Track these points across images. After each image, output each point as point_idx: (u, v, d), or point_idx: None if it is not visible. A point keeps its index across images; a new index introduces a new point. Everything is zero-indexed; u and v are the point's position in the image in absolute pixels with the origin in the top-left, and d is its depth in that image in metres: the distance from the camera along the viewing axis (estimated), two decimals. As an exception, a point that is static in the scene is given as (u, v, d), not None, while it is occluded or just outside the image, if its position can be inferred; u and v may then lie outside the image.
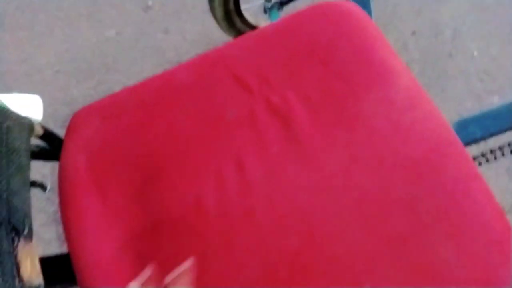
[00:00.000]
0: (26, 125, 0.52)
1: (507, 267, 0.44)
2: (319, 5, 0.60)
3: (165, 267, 0.50)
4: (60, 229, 0.55)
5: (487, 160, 0.67)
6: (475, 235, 0.45)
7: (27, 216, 0.48)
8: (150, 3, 1.36)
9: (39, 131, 0.54)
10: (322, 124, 0.52)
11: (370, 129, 0.50)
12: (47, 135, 0.57)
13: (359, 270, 0.45)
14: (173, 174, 0.53)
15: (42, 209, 1.13)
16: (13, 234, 0.46)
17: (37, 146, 0.57)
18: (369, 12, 0.70)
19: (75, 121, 0.57)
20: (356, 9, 0.60)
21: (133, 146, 0.55)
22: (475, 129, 0.58)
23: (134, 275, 0.50)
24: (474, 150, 0.78)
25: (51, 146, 0.59)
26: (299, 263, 0.47)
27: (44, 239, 1.11)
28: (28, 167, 0.51)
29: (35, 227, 0.50)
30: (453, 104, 1.18)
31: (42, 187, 0.60)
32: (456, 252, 0.44)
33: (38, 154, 0.57)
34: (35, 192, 0.52)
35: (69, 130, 0.57)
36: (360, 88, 0.52)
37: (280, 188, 0.50)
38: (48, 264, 0.50)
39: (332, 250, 0.46)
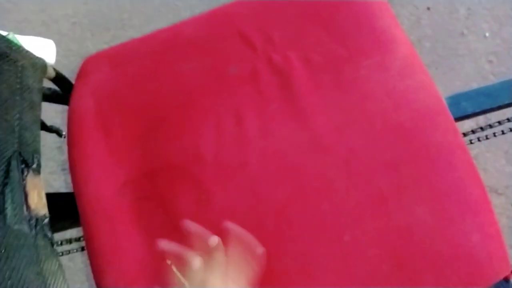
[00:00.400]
0: (40, 65, 0.54)
1: (481, 238, 0.46)
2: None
3: (162, 210, 0.53)
4: (69, 178, 0.57)
5: (479, 139, 0.68)
6: (452, 202, 0.47)
7: (36, 151, 0.51)
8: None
9: (51, 73, 0.56)
10: (320, 85, 0.53)
11: (364, 93, 0.51)
12: (59, 79, 0.59)
13: (340, 224, 0.47)
14: (175, 124, 0.56)
15: (52, 158, 1.17)
16: (23, 166, 0.49)
17: (49, 89, 0.60)
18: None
19: (86, 67, 0.59)
20: (385, 4, 0.59)
21: (139, 94, 0.57)
22: (466, 105, 0.59)
23: (132, 215, 0.54)
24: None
25: (62, 90, 0.61)
26: (285, 215, 0.50)
27: (53, 186, 1.16)
28: (39, 106, 0.54)
29: (44, 174, 0.53)
30: (459, 83, 1.18)
31: (58, 133, 0.63)
32: (432, 215, 0.46)
33: (50, 97, 0.60)
34: (45, 142, 0.54)
35: (79, 75, 0.59)
36: (359, 53, 0.53)
37: (274, 143, 0.52)
38: (54, 199, 0.53)
39: (317, 204, 0.49)
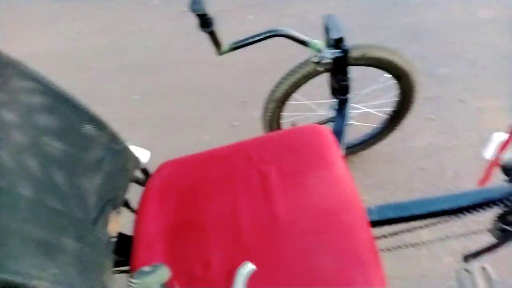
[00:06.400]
0: (136, 161, 0.94)
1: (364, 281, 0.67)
2: (310, 126, 0.97)
3: (185, 249, 0.81)
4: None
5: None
6: (348, 256, 0.70)
7: (120, 201, 0.87)
8: (235, 123, 1.87)
9: (141, 165, 0.96)
10: (285, 186, 0.84)
11: (308, 191, 0.80)
12: (144, 170, 0.98)
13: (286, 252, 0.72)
14: (204, 199, 0.88)
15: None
16: (112, 207, 0.83)
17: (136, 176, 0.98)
18: (342, 135, 1.04)
19: (161, 167, 0.98)
20: (329, 135, 0.94)
21: (186, 185, 0.92)
22: (389, 212, 0.84)
23: (164, 249, 0.82)
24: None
25: (145, 176, 0.99)
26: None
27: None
28: (129, 182, 0.91)
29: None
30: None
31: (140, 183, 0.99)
32: (334, 261, 0.69)
33: (136, 180, 0.98)
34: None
35: (156, 171, 0.97)
36: (309, 169, 0.84)
37: (254, 214, 0.81)
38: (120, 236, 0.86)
39: (266, 247, 0.74)
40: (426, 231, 1.20)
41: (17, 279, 0.52)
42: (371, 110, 1.49)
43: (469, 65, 1.95)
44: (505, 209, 0.82)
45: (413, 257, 1.26)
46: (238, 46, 0.99)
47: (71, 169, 0.74)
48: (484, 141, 0.83)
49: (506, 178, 0.85)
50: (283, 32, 0.99)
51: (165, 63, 2.36)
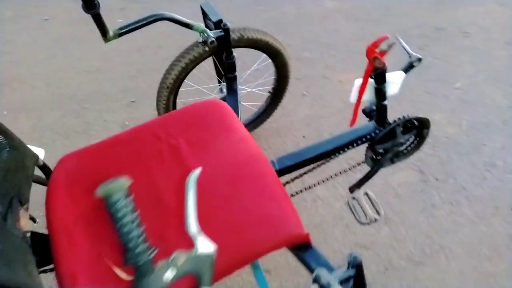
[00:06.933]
0: (34, 157, 0.89)
1: (279, 212, 0.78)
2: (208, 100, 1.05)
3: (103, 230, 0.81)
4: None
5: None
6: (261, 195, 0.81)
7: (26, 198, 0.82)
8: (127, 122, 1.84)
9: (40, 162, 0.91)
10: (196, 153, 0.90)
11: (218, 152, 0.89)
12: (44, 166, 0.93)
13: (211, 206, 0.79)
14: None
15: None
16: (19, 204, 0.79)
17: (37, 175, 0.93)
18: (237, 110, 1.16)
19: (61, 160, 0.94)
20: (226, 106, 1.03)
21: (90, 171, 0.91)
22: (286, 161, 0.98)
23: (83, 233, 0.81)
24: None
25: (45, 175, 0.94)
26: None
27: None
28: (31, 177, 0.86)
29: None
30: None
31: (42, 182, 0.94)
32: (252, 200, 0.79)
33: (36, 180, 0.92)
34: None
35: (57, 164, 0.94)
36: (214, 135, 0.93)
37: (169, 180, 0.86)
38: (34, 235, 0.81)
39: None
40: (314, 178, 1.40)
41: None
42: (255, 90, 1.65)
43: (326, 48, 2.28)
44: (371, 142, 1.04)
45: (311, 208, 1.45)
46: (125, 31, 1.01)
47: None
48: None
49: (367, 119, 1.08)
50: (167, 16, 1.05)
51: (33, 74, 2.17)
